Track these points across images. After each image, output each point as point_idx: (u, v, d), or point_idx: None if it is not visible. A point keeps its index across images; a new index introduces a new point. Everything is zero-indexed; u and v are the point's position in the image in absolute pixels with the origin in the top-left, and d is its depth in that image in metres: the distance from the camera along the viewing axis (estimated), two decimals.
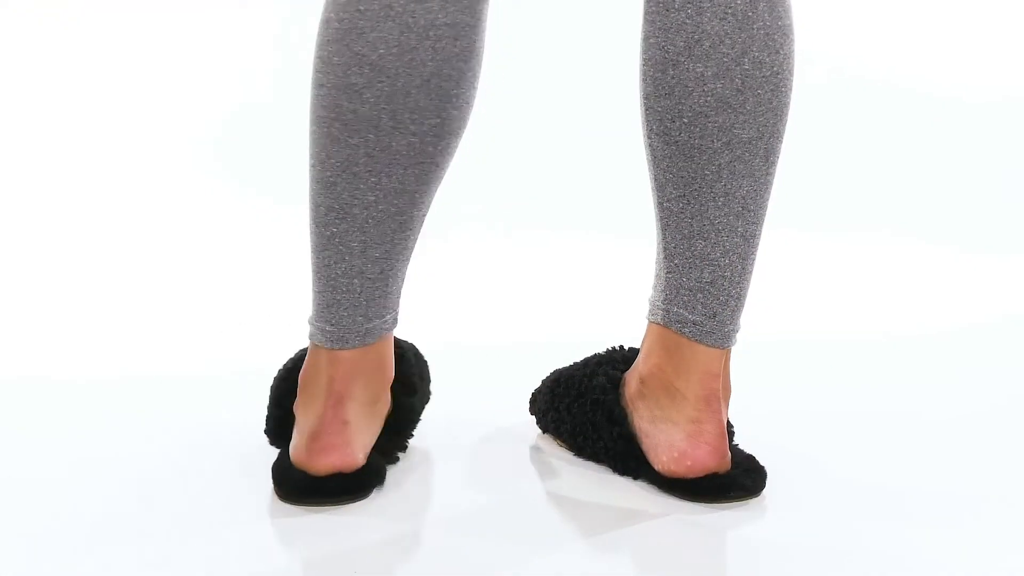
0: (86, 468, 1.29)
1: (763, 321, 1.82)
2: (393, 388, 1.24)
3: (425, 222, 1.19)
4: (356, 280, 1.16)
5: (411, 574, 1.08)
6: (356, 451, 1.18)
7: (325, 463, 1.17)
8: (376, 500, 1.19)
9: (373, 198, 1.13)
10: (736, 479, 1.16)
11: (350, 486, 1.17)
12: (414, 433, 1.29)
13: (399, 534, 1.13)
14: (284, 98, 2.34)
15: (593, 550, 1.08)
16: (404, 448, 1.27)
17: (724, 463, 1.17)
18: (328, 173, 1.13)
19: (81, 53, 2.33)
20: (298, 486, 1.17)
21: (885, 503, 1.15)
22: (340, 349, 1.17)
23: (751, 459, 1.19)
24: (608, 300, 1.75)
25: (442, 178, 1.17)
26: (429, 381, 1.34)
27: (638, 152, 1.23)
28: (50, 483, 1.26)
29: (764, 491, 1.17)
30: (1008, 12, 2.43)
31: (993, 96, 2.36)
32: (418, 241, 1.19)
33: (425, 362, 1.34)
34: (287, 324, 1.47)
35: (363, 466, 1.18)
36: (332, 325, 1.17)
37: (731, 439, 1.22)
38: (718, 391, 1.18)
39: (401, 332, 1.29)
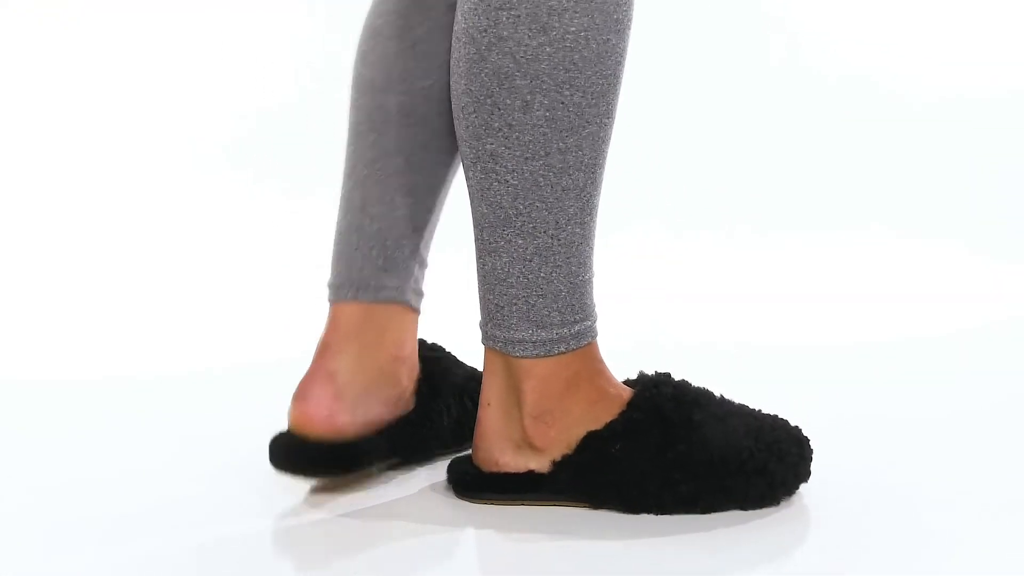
0: (86, 467, 1.29)
1: (764, 324, 1.83)
2: (421, 389, 1.24)
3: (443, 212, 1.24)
4: (355, 235, 1.21)
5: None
6: (340, 410, 1.18)
7: (298, 411, 1.18)
8: (376, 500, 1.19)
9: (372, 156, 1.21)
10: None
11: (319, 457, 1.18)
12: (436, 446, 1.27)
13: (399, 535, 1.13)
14: (286, 97, 2.35)
15: (600, 551, 1.08)
16: (408, 453, 1.25)
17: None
18: (348, 135, 1.23)
19: (81, 53, 2.33)
20: (274, 448, 1.19)
21: (884, 502, 1.15)
22: (336, 302, 1.21)
23: None
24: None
25: (447, 149, 1.21)
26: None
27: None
28: (49, 482, 1.26)
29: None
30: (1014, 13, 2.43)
31: (998, 97, 2.36)
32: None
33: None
34: (292, 323, 1.47)
35: (346, 441, 1.18)
36: (333, 277, 1.22)
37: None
38: None
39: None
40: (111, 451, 1.34)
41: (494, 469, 1.16)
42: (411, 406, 1.24)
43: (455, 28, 1.12)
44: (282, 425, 1.23)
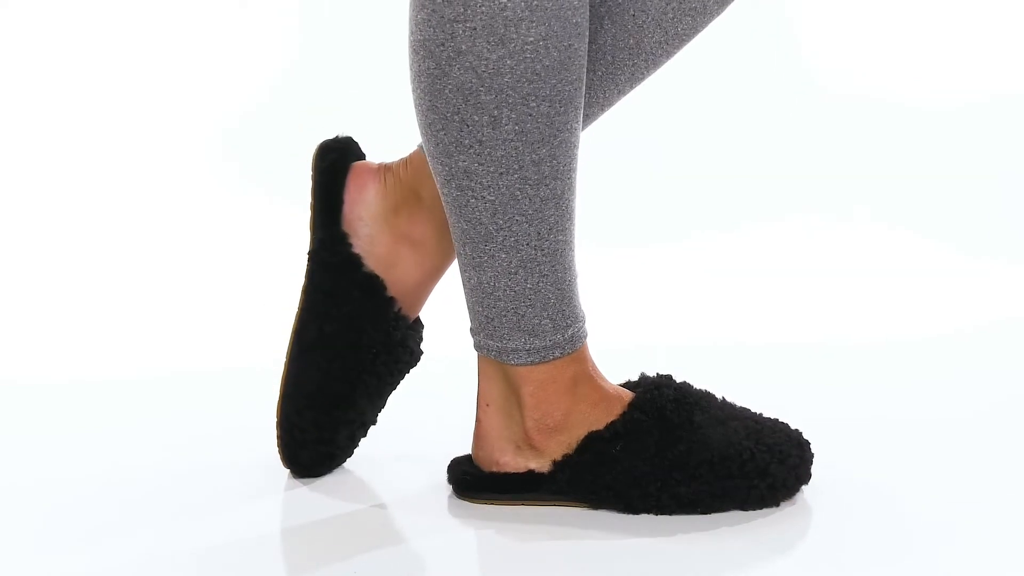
0: (83, 468, 1.29)
1: (764, 325, 1.83)
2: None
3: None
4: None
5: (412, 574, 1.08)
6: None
7: None
8: (376, 500, 1.19)
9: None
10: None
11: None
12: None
13: (399, 535, 1.13)
14: (289, 97, 2.35)
15: (600, 551, 1.08)
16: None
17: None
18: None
19: (82, 53, 2.33)
20: None
21: (885, 504, 1.16)
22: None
23: None
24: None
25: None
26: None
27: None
28: (48, 483, 1.25)
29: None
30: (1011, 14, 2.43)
31: (989, 99, 2.37)
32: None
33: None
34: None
35: None
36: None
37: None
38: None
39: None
40: (107, 452, 1.34)
41: (494, 469, 1.16)
42: None
43: (410, 39, 1.09)
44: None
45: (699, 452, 1.13)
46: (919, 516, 1.13)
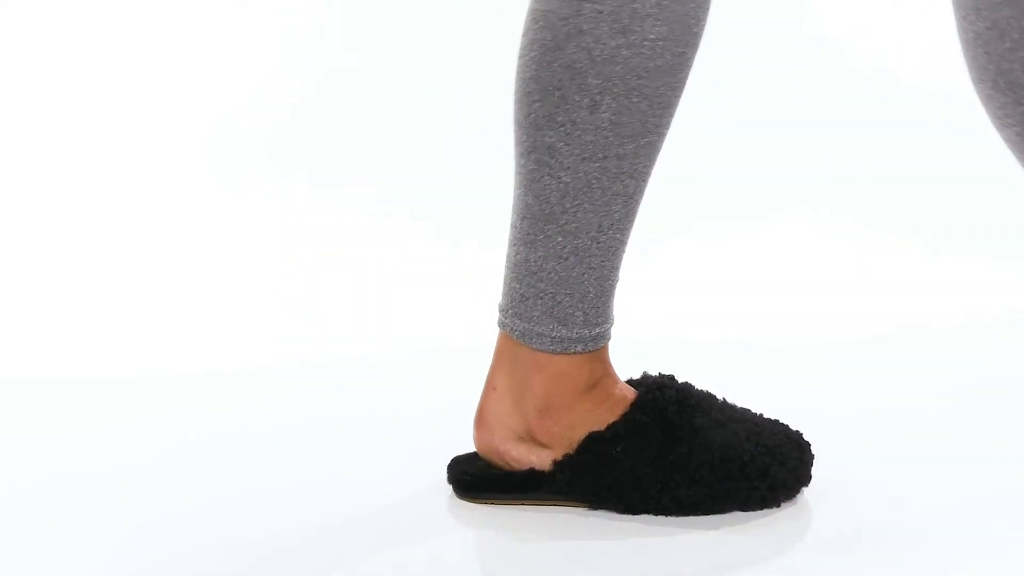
0: (83, 469, 1.29)
1: (764, 324, 1.83)
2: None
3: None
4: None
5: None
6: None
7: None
8: (376, 501, 1.19)
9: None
10: None
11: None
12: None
13: (399, 535, 1.13)
14: (289, 96, 2.35)
15: (600, 551, 1.08)
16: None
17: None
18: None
19: (82, 53, 2.33)
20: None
21: (884, 503, 1.16)
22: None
23: None
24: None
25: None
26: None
27: None
28: (49, 484, 1.25)
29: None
30: None
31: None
32: None
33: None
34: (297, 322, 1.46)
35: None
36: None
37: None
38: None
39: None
40: (107, 452, 1.34)
41: (494, 457, 1.16)
42: None
43: (532, 4, 1.09)
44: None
45: (700, 454, 1.13)
46: (919, 516, 1.13)
